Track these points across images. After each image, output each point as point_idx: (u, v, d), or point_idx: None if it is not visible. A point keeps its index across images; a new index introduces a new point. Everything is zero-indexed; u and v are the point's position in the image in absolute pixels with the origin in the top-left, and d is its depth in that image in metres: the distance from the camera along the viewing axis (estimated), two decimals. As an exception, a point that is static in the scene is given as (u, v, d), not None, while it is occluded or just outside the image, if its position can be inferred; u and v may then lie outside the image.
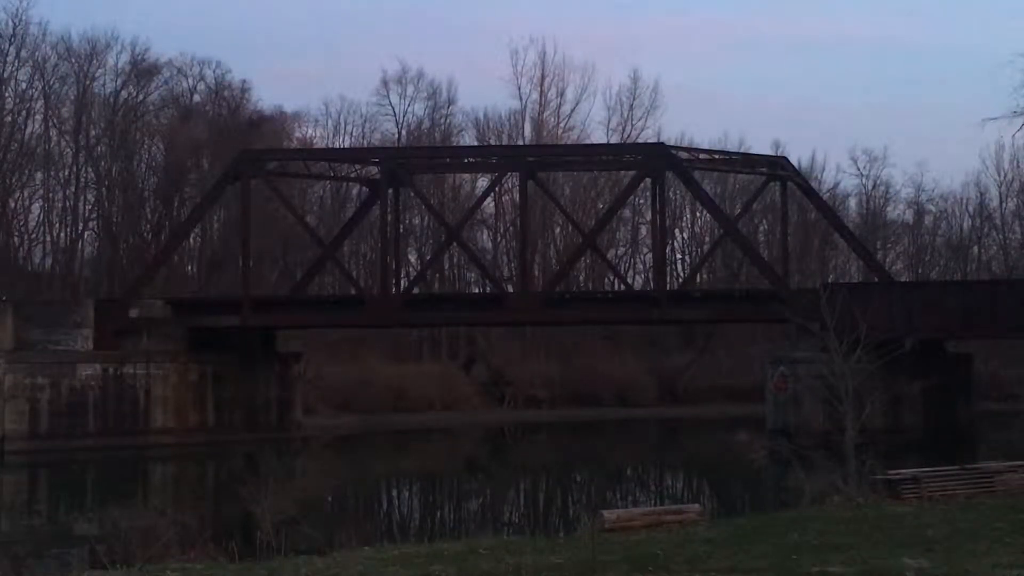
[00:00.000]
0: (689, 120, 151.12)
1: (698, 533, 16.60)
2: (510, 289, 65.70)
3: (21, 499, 36.76)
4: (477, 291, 72.89)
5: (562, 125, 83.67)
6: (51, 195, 69.54)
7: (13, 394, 46.06)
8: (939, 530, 15.82)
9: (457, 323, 65.00)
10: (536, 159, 57.07)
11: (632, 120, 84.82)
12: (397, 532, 26.48)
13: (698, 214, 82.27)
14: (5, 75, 67.64)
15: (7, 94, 67.70)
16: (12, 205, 68.19)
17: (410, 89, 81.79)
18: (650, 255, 73.61)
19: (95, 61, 70.98)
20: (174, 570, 14.97)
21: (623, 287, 67.70)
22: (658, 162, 52.53)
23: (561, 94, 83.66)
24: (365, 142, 79.45)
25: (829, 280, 64.82)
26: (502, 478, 44.15)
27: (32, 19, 71.63)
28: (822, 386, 29.45)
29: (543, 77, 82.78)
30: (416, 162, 58.50)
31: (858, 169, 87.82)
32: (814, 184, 69.88)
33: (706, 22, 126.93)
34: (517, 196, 58.38)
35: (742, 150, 71.58)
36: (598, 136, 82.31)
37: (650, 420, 66.29)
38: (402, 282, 60.30)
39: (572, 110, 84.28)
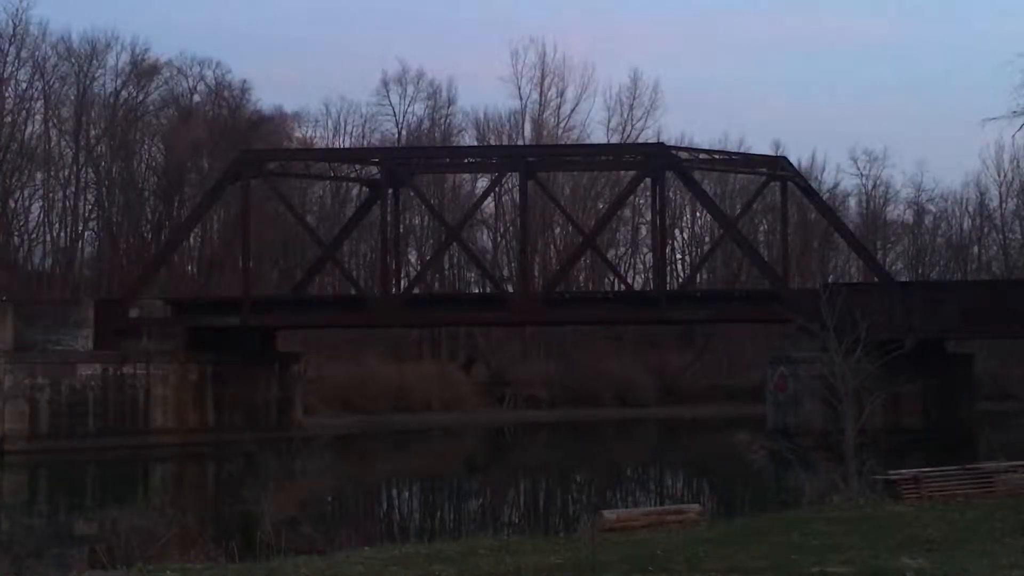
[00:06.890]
0: (689, 120, 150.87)
1: (698, 533, 16.60)
2: (510, 289, 65.66)
3: (21, 499, 36.67)
4: (477, 291, 72.90)
5: (562, 125, 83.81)
6: (51, 195, 69.58)
7: (13, 394, 45.98)
8: (939, 530, 15.80)
9: (457, 323, 65.03)
10: (536, 159, 57.05)
11: (632, 120, 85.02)
12: (397, 532, 26.53)
13: (698, 214, 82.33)
14: (5, 75, 67.69)
15: (7, 94, 67.68)
16: (12, 205, 68.19)
17: (410, 89, 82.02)
18: (650, 255, 73.69)
19: (95, 61, 71.10)
20: (174, 570, 14.95)
21: (623, 287, 67.62)
22: (658, 162, 52.49)
23: (561, 94, 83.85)
24: (365, 142, 79.49)
25: (829, 280, 64.80)
26: (502, 478, 44.12)
27: (32, 19, 71.88)
28: (822, 386, 29.47)
29: (543, 77, 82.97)
30: (416, 162, 58.42)
31: (858, 169, 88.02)
32: (814, 184, 69.85)
33: (706, 22, 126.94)
34: (517, 196, 58.35)
35: (742, 150, 71.72)
36: (598, 136, 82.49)
37: (650, 420, 66.28)
38: (402, 282, 60.24)
39: (572, 110, 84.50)
